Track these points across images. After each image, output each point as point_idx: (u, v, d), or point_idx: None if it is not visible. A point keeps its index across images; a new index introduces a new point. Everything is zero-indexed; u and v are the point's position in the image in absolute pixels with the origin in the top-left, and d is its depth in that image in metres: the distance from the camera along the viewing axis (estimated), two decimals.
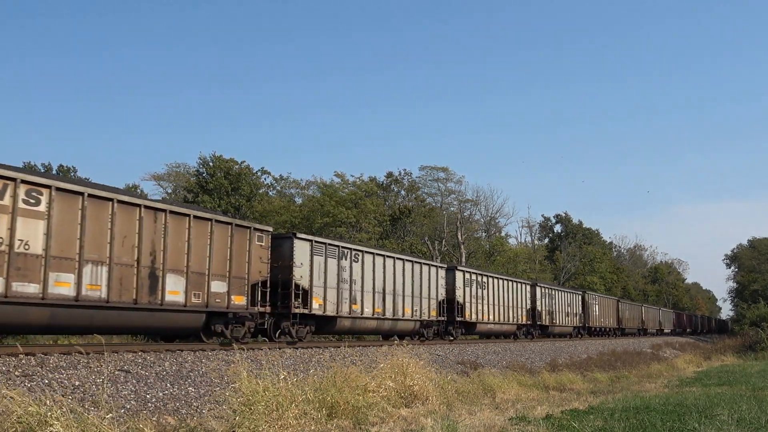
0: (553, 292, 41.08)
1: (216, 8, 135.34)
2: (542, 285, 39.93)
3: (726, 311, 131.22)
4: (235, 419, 9.09)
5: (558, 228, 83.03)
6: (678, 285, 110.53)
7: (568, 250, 74.05)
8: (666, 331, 72.15)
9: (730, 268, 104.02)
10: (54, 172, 51.03)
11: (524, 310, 38.07)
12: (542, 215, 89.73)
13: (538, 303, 38.35)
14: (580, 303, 45.93)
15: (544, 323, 38.99)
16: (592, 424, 10.30)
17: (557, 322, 41.08)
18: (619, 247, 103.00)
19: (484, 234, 63.43)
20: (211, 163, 44.82)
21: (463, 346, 25.87)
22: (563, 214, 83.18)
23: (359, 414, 10.79)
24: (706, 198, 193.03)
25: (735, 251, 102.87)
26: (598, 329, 50.59)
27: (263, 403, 9.16)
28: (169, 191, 55.51)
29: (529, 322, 38.90)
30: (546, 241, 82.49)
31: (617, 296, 65.65)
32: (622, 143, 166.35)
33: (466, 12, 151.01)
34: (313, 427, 9.61)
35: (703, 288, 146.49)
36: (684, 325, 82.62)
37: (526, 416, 11.61)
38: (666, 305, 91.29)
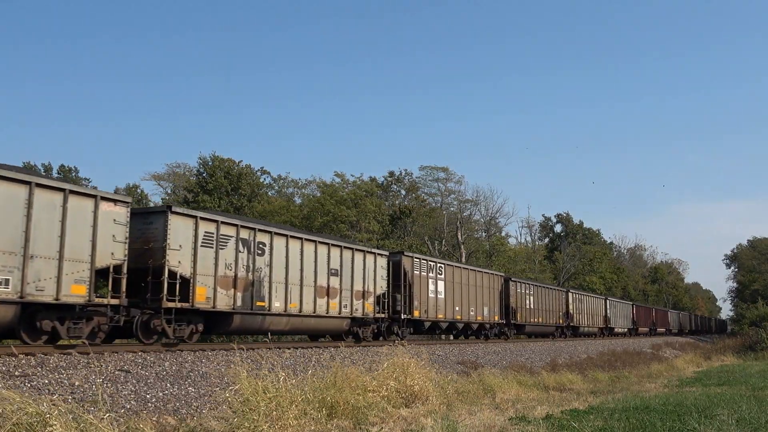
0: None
1: (216, 8, 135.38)
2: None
3: (726, 311, 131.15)
4: (234, 419, 9.09)
5: (558, 228, 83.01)
6: (678, 285, 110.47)
7: (567, 250, 73.98)
8: (619, 331, 54.10)
9: (730, 268, 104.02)
10: (55, 172, 51.07)
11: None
12: (542, 215, 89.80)
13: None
14: (388, 272, 23.52)
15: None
16: (592, 424, 10.29)
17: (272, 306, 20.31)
18: (619, 247, 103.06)
19: (484, 234, 63.40)
20: (210, 164, 44.80)
21: (463, 347, 25.90)
22: (564, 214, 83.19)
23: (359, 414, 10.77)
24: (706, 198, 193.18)
25: (735, 251, 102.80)
26: (441, 325, 26.97)
27: (263, 404, 9.15)
28: (169, 191, 55.50)
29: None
30: (546, 241, 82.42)
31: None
32: (623, 143, 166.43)
33: (468, 12, 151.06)
34: (313, 427, 9.60)
35: (703, 288, 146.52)
36: (656, 323, 65.67)
37: (526, 416, 11.60)
38: (665, 305, 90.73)
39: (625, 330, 56.49)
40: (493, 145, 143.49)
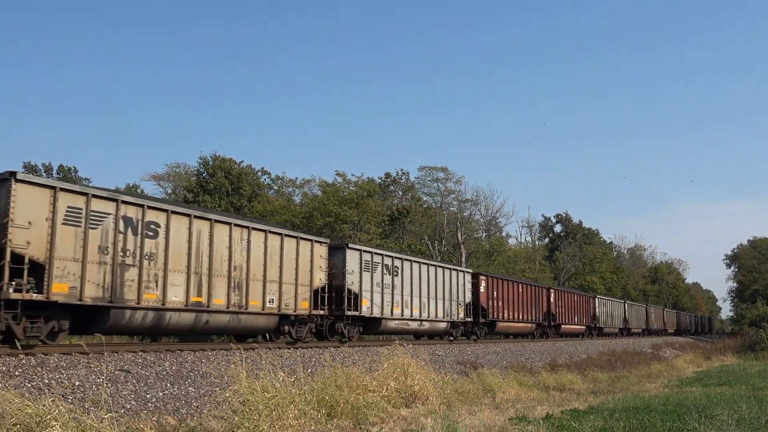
0: None
1: (216, 7, 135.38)
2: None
3: (726, 311, 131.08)
4: (234, 419, 9.09)
5: (558, 228, 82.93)
6: (678, 285, 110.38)
7: (567, 251, 73.97)
8: (432, 327, 26.91)
9: (730, 268, 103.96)
10: (55, 172, 51.03)
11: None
12: (542, 215, 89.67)
13: None
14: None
15: None
16: (592, 424, 10.29)
17: None
18: (619, 247, 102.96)
19: (484, 234, 63.36)
20: (211, 163, 44.79)
21: (463, 346, 25.88)
22: (563, 214, 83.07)
23: (359, 414, 10.78)
24: (706, 197, 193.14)
25: (735, 251, 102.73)
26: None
27: (263, 404, 9.16)
28: (169, 191, 55.48)
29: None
30: (546, 241, 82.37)
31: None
32: (624, 143, 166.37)
33: (466, 11, 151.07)
34: (312, 427, 9.61)
35: (703, 288, 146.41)
36: (556, 316, 39.65)
37: (526, 416, 11.61)
38: (666, 305, 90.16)
39: (457, 322, 28.74)
40: (493, 144, 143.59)
